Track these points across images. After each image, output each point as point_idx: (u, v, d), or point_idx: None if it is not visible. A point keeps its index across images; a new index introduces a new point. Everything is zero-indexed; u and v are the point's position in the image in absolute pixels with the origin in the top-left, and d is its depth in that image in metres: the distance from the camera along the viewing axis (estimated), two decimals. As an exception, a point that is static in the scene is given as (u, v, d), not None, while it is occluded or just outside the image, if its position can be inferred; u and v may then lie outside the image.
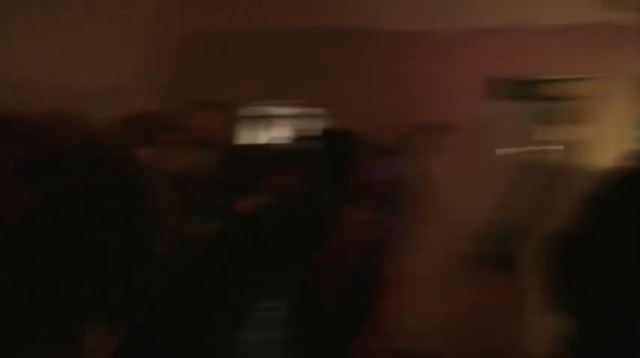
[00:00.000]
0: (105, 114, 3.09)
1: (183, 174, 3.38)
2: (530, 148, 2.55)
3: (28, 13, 4.47)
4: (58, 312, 0.94)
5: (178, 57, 5.62)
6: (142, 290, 1.04)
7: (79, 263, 0.94)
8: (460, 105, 5.13)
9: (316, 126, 5.49)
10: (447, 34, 5.26)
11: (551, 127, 4.98)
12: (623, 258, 0.80)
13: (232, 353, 2.35)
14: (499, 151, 2.13)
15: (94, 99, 3.70)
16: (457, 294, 1.89)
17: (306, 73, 5.46)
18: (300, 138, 4.18)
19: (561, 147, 4.89)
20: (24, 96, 2.99)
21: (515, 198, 1.89)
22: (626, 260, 0.79)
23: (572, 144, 4.93)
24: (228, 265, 2.69)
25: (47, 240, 0.94)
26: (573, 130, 4.95)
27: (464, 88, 5.18)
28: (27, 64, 4.28)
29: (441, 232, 2.02)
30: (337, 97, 5.36)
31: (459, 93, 5.17)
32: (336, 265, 4.07)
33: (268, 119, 5.59)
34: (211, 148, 3.67)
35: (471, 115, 2.28)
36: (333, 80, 5.42)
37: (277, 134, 5.17)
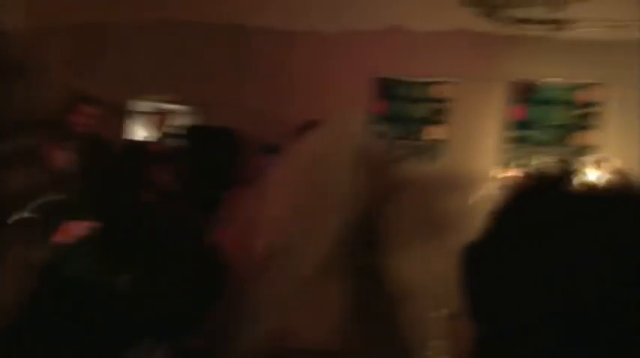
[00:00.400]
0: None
1: (64, 169, 3.22)
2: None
3: None
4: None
5: (53, 48, 5.25)
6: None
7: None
8: (343, 105, 5.24)
9: (196, 122, 5.38)
10: (330, 33, 5.34)
11: (429, 127, 5.20)
12: (521, 270, 0.83)
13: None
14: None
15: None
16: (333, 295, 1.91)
17: (185, 68, 5.31)
18: (174, 135, 4.09)
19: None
20: None
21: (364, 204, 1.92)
22: (524, 272, 0.82)
23: (435, 144, 5.18)
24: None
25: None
26: (438, 131, 5.19)
27: (347, 87, 5.28)
28: None
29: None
30: (217, 95, 5.26)
31: (342, 93, 5.26)
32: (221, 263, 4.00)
33: (142, 115, 5.36)
34: (88, 143, 3.50)
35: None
36: (213, 77, 5.32)
37: (150, 130, 4.97)
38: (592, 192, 0.84)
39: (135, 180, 3.18)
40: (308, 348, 1.94)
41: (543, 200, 0.86)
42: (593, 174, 4.64)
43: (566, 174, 0.85)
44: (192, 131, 5.13)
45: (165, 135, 4.51)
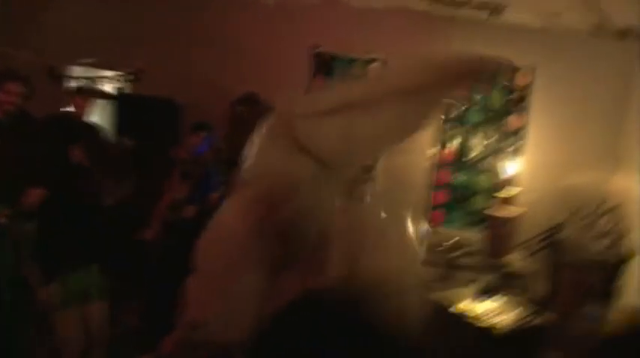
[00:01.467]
0: None
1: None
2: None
3: None
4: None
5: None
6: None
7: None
8: (284, 78, 5.20)
9: (131, 89, 5.24)
10: (271, 3, 5.25)
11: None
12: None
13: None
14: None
15: None
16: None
17: (123, 34, 5.11)
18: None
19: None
20: None
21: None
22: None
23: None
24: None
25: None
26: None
27: (287, 59, 5.24)
28: None
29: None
30: (154, 61, 5.11)
31: (282, 65, 5.22)
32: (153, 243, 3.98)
33: (79, 81, 5.16)
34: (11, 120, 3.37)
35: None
36: (152, 44, 5.15)
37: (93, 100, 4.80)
38: None
39: (57, 153, 3.11)
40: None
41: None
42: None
43: None
44: (125, 99, 5.03)
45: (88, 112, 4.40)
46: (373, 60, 5.16)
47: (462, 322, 2.48)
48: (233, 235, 1.89)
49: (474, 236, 4.61)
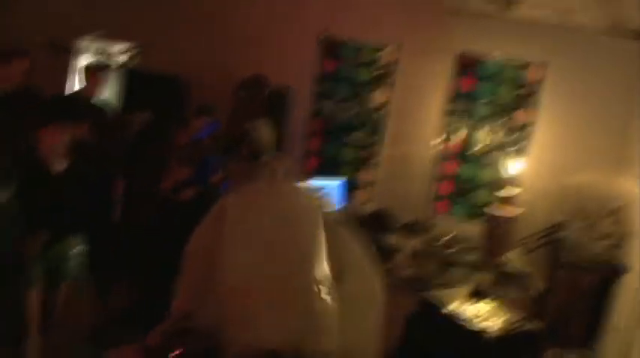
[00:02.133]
0: None
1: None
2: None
3: None
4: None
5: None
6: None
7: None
8: (291, 61, 5.17)
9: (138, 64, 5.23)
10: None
11: (374, 92, 5.21)
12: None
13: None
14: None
15: None
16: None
17: (129, 10, 5.09)
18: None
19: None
20: None
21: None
22: None
23: (379, 109, 5.21)
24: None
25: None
26: (383, 96, 5.21)
27: (295, 43, 5.20)
28: None
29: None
30: (161, 40, 5.09)
31: (290, 49, 5.17)
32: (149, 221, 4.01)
33: (83, 55, 5.16)
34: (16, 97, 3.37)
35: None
36: (157, 21, 5.13)
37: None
38: None
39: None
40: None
41: None
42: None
43: None
44: (131, 75, 5.02)
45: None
46: (384, 48, 5.11)
47: (455, 325, 2.49)
48: None
49: (475, 229, 4.59)
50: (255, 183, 2.16)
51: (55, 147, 3.06)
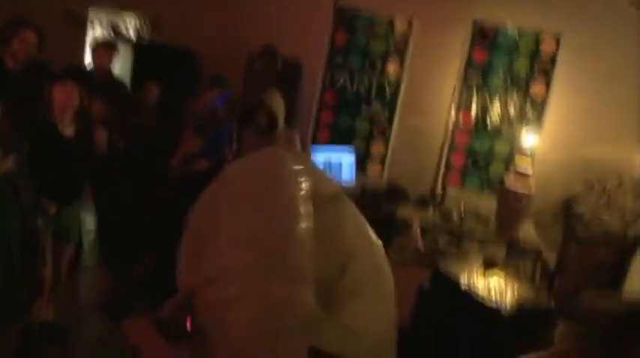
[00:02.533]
0: None
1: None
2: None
3: None
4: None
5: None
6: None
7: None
8: (303, 31, 5.09)
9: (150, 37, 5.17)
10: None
11: (388, 64, 5.13)
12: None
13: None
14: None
15: None
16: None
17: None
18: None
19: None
20: None
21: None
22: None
23: (393, 81, 5.14)
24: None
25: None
26: (397, 68, 5.13)
27: (307, 14, 5.11)
28: None
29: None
30: (173, 12, 5.03)
31: (301, 20, 5.09)
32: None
33: (97, 27, 5.11)
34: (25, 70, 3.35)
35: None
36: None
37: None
38: None
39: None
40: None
41: None
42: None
43: None
44: (144, 47, 4.98)
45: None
46: (398, 18, 5.02)
47: (468, 297, 2.48)
48: None
49: (488, 202, 4.56)
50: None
51: (65, 109, 3.07)
